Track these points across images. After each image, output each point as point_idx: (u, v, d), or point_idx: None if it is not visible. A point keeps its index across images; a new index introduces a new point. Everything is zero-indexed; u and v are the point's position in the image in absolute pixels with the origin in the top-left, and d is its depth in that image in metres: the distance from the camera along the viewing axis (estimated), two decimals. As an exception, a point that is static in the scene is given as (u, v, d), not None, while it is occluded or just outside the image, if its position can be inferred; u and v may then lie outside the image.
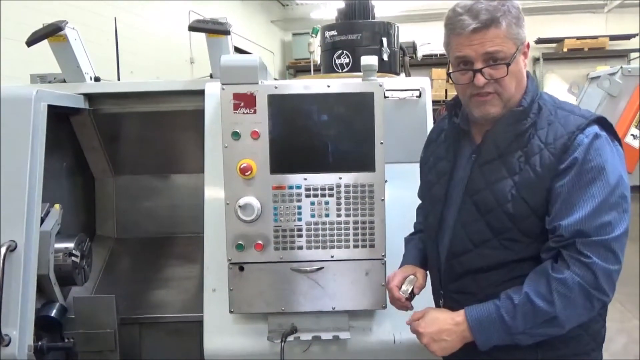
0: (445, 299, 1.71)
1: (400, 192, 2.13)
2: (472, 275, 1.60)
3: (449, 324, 1.54)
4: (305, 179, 2.12)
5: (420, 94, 2.41)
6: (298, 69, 11.31)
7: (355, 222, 2.13)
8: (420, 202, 2.00)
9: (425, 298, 1.80)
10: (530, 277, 1.48)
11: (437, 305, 1.76)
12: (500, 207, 1.51)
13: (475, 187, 1.57)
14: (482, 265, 1.57)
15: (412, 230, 2.03)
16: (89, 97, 2.70)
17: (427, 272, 1.85)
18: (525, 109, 1.54)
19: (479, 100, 1.53)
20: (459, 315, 1.53)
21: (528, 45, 1.56)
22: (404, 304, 1.79)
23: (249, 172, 2.08)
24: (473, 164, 1.60)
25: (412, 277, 1.80)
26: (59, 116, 2.64)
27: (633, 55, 10.80)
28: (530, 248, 1.52)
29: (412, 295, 1.79)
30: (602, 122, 1.52)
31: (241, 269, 2.15)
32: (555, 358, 1.55)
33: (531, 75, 1.62)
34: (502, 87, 1.51)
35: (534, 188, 1.48)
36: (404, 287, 1.78)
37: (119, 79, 3.50)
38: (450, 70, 1.58)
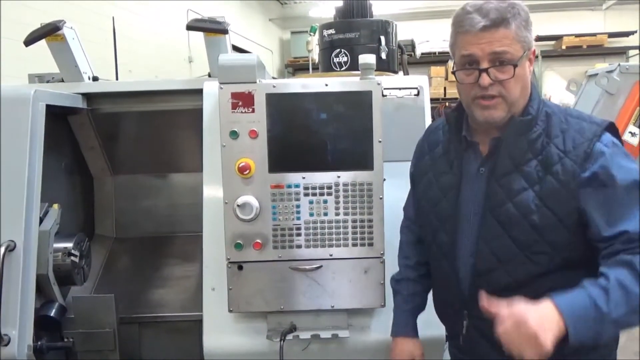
0: (472, 318, 1.62)
1: (398, 190, 2.12)
2: (499, 293, 1.47)
3: (543, 312, 1.31)
4: (304, 178, 2.12)
5: (418, 92, 2.41)
6: (296, 67, 11.34)
7: (354, 221, 2.14)
8: (403, 218, 2.00)
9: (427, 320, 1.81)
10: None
11: (460, 327, 1.67)
12: (525, 219, 1.48)
13: (495, 201, 1.53)
14: (510, 281, 1.52)
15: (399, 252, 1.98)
16: (87, 96, 2.69)
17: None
18: (533, 117, 1.52)
19: (483, 104, 1.51)
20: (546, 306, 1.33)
21: (534, 53, 1.53)
22: None
23: (248, 171, 2.08)
24: (489, 178, 1.56)
25: None
26: (57, 116, 2.63)
27: (631, 52, 10.83)
28: (557, 260, 1.49)
29: None
30: (612, 129, 1.52)
31: (240, 268, 2.15)
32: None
33: (535, 82, 1.61)
34: (507, 90, 1.48)
35: (559, 196, 1.46)
36: None
37: (117, 79, 3.49)
38: (455, 69, 1.55)
